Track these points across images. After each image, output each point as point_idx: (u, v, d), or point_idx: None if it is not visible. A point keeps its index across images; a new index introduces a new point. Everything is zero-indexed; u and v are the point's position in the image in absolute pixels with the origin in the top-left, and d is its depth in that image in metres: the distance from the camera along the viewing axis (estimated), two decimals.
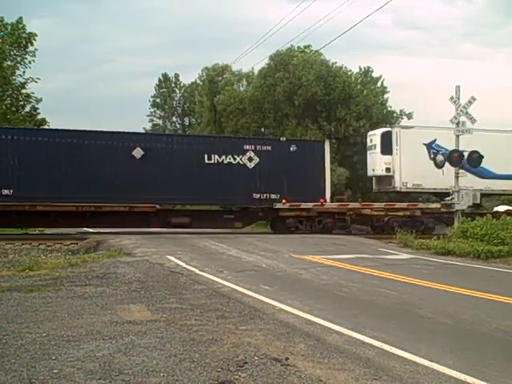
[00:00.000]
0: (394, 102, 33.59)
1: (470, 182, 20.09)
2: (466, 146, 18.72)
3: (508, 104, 62.65)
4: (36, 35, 30.01)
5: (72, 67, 75.63)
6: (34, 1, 79.26)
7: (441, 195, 21.01)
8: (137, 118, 78.30)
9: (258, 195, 20.84)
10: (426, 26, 78.69)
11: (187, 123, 53.21)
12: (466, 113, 18.53)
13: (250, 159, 20.89)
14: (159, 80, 54.24)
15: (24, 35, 29.56)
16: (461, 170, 18.82)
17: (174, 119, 55.23)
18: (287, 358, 5.01)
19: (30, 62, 30.26)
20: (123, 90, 74.59)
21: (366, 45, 73.40)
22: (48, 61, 63.87)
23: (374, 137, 23.86)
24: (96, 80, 77.03)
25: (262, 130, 34.50)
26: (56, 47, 71.67)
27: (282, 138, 22.96)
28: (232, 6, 79.61)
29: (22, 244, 17.27)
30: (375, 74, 34.83)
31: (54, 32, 74.15)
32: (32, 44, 30.09)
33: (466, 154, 18.45)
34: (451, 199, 19.15)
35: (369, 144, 24.30)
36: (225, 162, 20.59)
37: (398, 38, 78.23)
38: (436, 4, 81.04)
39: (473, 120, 18.64)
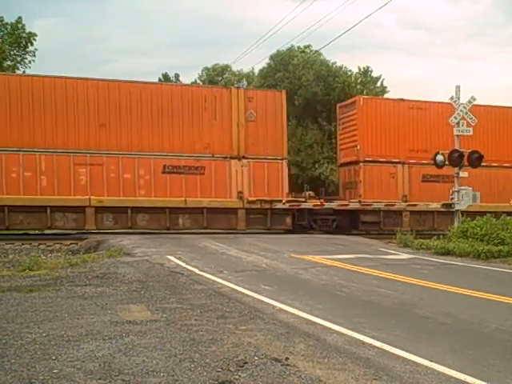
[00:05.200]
0: None
1: None
2: None
3: (510, 104, 62.51)
4: (36, 35, 30.08)
5: (75, 67, 75.60)
6: (37, 1, 79.34)
7: None
8: None
9: None
10: (431, 26, 78.62)
11: None
12: (466, 113, 18.54)
13: None
14: (159, 80, 54.26)
15: (24, 35, 29.61)
16: None
17: None
18: (287, 358, 5.00)
19: (29, 62, 30.34)
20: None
21: (370, 45, 73.41)
22: (50, 60, 63.94)
23: None
24: None
25: None
26: (59, 47, 71.73)
27: None
28: (232, 6, 79.65)
29: (22, 244, 17.27)
30: (375, 74, 34.91)
31: (57, 32, 74.17)
32: (32, 44, 30.14)
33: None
34: (451, 199, 19.16)
35: None
36: None
37: (402, 38, 78.17)
38: (440, 4, 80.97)
39: (473, 120, 18.66)
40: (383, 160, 21.37)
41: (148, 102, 19.34)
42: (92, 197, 18.66)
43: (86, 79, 19.44)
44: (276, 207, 20.07)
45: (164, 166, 19.29)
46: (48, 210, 18.32)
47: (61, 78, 19.14)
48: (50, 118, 18.46)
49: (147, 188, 19.21)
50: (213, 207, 19.57)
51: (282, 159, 20.40)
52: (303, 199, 21.16)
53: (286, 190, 20.54)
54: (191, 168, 19.56)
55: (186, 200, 19.34)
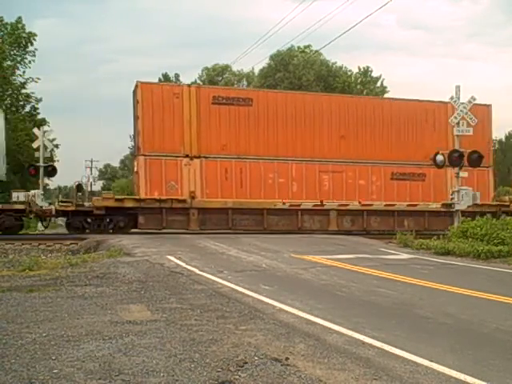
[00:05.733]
0: None
1: None
2: None
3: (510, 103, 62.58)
4: (36, 35, 30.12)
5: (75, 67, 75.77)
6: (38, 1, 79.45)
7: None
8: None
9: None
10: (431, 26, 78.71)
11: None
12: (466, 113, 18.54)
13: None
14: (159, 80, 54.36)
15: (24, 35, 29.62)
16: None
17: None
18: (287, 358, 5.00)
19: (29, 62, 30.36)
20: (124, 89, 74.71)
21: (370, 45, 73.49)
22: (51, 60, 64.05)
23: None
24: (98, 80, 77.21)
25: None
26: (59, 47, 71.90)
27: None
28: (233, 7, 79.72)
29: (22, 244, 17.29)
30: (375, 74, 34.93)
31: (57, 32, 74.29)
32: (32, 44, 30.16)
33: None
34: (451, 199, 19.17)
35: None
36: None
37: (402, 38, 78.24)
38: (440, 4, 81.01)
39: (473, 120, 18.66)
40: None
41: (379, 116, 21.54)
42: (334, 201, 20.67)
43: (330, 96, 22.81)
44: (483, 210, 21.33)
45: (392, 173, 21.58)
46: (299, 213, 20.27)
47: (310, 94, 22.16)
48: (300, 130, 20.79)
49: (378, 193, 21.43)
50: (433, 210, 21.32)
51: (487, 167, 22.30)
52: (507, 202, 22.77)
53: (492, 194, 22.47)
54: (414, 175, 21.75)
55: (412, 204, 21.31)
